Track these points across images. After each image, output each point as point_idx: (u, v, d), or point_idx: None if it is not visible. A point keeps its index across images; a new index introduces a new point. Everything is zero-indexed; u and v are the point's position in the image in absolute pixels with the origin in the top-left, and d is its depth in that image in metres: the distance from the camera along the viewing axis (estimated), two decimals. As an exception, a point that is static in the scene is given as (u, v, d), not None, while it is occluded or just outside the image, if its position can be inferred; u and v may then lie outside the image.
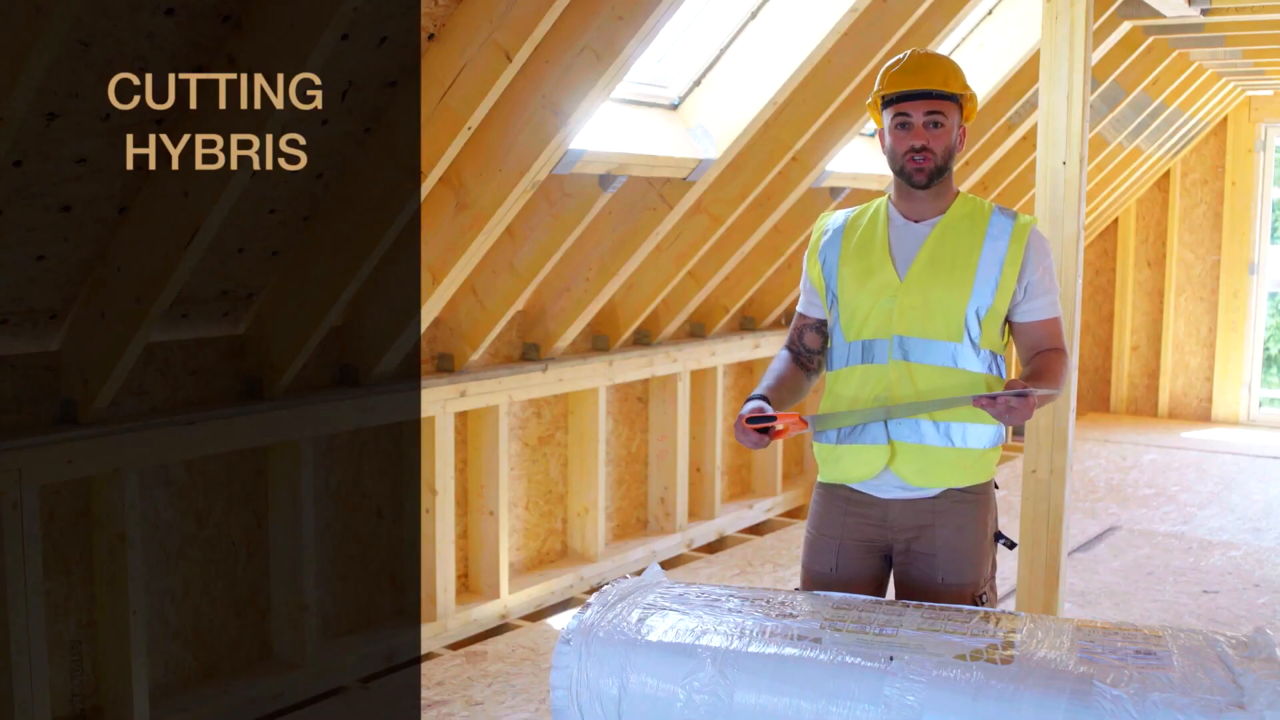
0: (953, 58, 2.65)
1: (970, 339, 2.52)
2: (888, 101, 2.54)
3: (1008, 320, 2.58)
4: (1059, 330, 2.61)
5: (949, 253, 2.54)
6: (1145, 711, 1.95)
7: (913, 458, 2.52)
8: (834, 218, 2.72)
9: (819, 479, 2.69)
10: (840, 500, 2.62)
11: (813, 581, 2.64)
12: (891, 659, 2.12)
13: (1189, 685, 2.01)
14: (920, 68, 2.55)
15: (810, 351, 2.72)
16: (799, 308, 2.76)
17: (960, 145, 2.60)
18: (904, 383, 2.52)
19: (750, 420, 2.46)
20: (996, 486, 2.65)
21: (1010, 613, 2.35)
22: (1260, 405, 9.26)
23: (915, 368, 2.52)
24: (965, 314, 2.51)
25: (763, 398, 2.56)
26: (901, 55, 2.62)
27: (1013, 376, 2.73)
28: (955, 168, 2.63)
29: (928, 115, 2.51)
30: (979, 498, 2.57)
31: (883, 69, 2.60)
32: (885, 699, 2.06)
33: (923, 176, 2.53)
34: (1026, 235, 2.55)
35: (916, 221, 2.58)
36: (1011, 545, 2.67)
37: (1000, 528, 2.66)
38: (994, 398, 2.32)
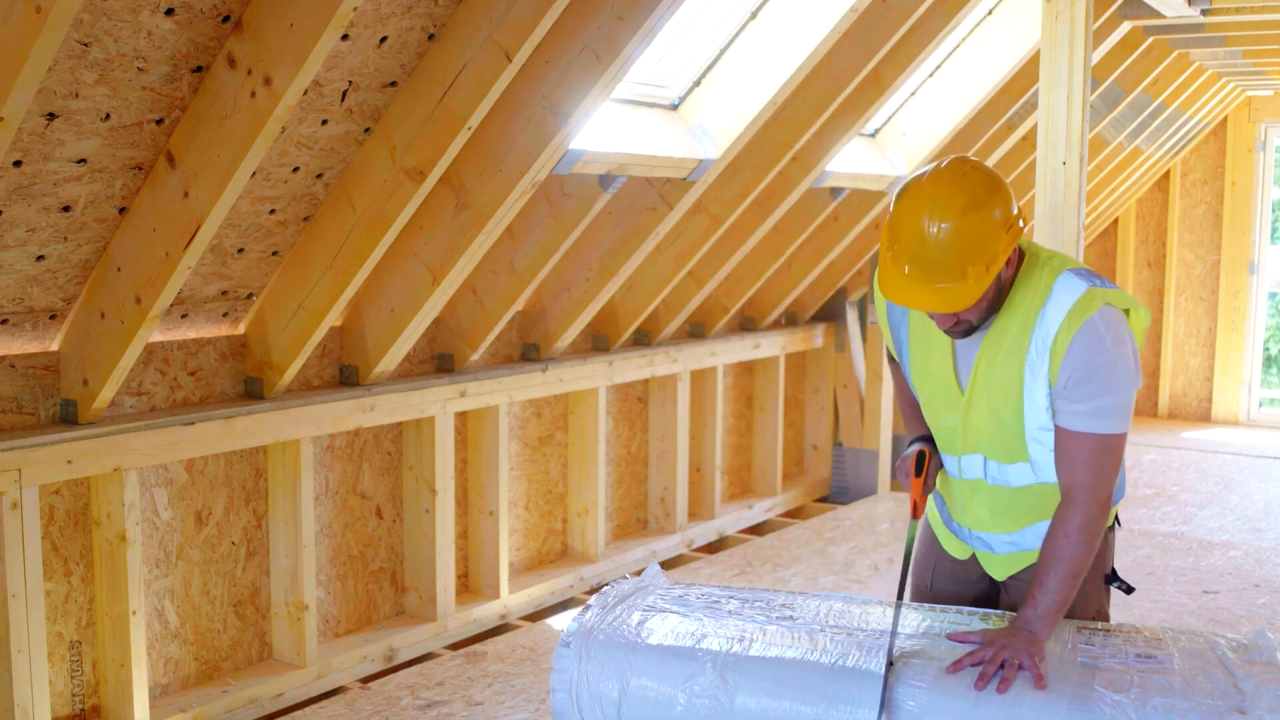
0: (972, 214, 2.01)
1: (1046, 449, 2.20)
2: None
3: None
4: (1090, 457, 2.10)
5: (1003, 357, 2.17)
6: (1146, 716, 1.94)
7: (992, 560, 2.40)
8: None
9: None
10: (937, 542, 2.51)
11: (914, 590, 2.54)
12: (892, 663, 2.12)
13: (1190, 689, 2.01)
14: (915, 291, 2.04)
15: None
16: (889, 348, 2.45)
17: (1010, 270, 2.13)
18: (978, 500, 2.33)
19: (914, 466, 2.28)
20: (1119, 524, 2.39)
21: (1010, 614, 2.35)
22: (1260, 405, 9.26)
23: (988, 487, 2.31)
24: (1027, 432, 2.18)
25: (926, 440, 2.34)
26: (892, 224, 2.07)
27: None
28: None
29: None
30: None
31: (881, 227, 2.12)
32: (886, 703, 2.06)
33: (964, 334, 2.18)
34: (1086, 315, 2.07)
35: None
36: (1129, 590, 2.37)
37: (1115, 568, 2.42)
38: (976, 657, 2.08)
